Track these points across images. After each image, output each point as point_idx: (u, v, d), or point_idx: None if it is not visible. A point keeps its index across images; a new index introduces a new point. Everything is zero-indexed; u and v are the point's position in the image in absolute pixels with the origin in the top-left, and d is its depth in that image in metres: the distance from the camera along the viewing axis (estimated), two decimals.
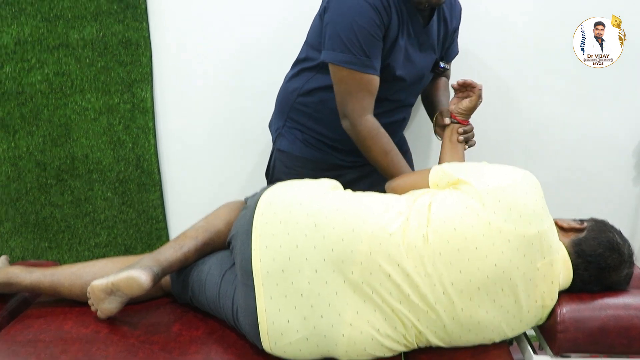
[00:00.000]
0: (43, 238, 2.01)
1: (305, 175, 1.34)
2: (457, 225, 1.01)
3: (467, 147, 1.43)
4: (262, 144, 1.82)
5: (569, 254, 1.07)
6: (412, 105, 1.53)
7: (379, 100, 1.33)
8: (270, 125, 1.58)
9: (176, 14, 1.72)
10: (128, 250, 2.05)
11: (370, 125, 1.30)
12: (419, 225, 1.03)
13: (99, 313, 1.16)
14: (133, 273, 1.09)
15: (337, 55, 1.24)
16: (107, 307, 1.13)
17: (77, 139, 1.87)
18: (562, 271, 1.06)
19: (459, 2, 1.49)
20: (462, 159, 1.40)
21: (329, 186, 1.16)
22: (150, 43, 1.75)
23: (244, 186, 1.89)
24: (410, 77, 1.39)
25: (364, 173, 1.52)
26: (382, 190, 1.27)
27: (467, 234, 1.00)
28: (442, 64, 1.47)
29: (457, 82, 1.37)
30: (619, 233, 1.11)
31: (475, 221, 1.01)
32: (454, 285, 1.00)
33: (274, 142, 1.53)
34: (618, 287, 1.09)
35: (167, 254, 1.18)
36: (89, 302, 1.16)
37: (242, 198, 1.35)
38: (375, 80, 1.28)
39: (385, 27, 1.25)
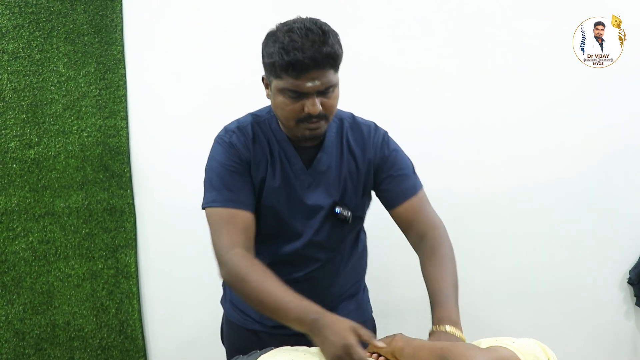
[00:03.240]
0: None
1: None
2: None
3: None
4: None
5: None
6: (320, 260, 1.26)
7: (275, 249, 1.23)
8: None
9: (159, 181, 1.75)
10: None
11: (240, 259, 1.07)
12: None
13: None
14: None
15: (205, 198, 1.16)
16: None
17: (59, 306, 1.79)
18: None
19: (380, 131, 1.26)
20: None
21: None
22: (134, 209, 1.75)
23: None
24: (293, 215, 1.22)
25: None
26: None
27: None
28: (337, 209, 1.22)
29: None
30: None
31: None
32: None
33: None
34: None
35: None
36: None
37: None
38: (243, 214, 1.13)
39: (247, 164, 1.17)
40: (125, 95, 1.71)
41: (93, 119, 1.71)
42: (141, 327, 1.82)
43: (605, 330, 1.82)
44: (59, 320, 1.80)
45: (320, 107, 1.09)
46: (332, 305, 1.30)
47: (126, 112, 1.71)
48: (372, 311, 1.41)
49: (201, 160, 1.69)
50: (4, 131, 1.71)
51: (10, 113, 1.71)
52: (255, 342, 1.31)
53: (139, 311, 1.80)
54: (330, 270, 1.30)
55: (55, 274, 1.78)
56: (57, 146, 1.72)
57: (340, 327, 0.94)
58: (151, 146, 1.72)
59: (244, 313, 1.32)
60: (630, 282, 1.77)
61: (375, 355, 1.01)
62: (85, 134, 1.71)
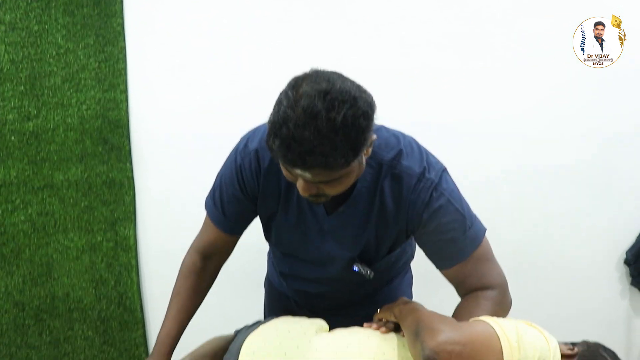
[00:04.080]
0: None
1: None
2: None
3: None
4: (249, 281, 1.75)
5: None
6: (332, 280, 1.21)
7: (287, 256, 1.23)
8: None
9: (158, 155, 1.75)
10: None
11: (188, 261, 1.21)
12: None
13: None
14: None
15: (207, 198, 1.18)
16: None
17: (59, 277, 1.81)
18: None
19: (426, 183, 1.02)
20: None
21: (314, 330, 1.08)
22: (133, 183, 1.76)
23: (229, 325, 1.80)
24: (309, 256, 1.17)
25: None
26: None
27: None
28: (355, 267, 1.12)
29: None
30: (613, 356, 1.01)
31: None
32: None
33: None
34: None
35: None
36: None
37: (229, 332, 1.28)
38: (224, 237, 1.17)
39: (251, 194, 1.10)
40: (124, 68, 1.70)
41: (92, 92, 1.71)
42: (140, 299, 1.84)
43: (600, 309, 1.86)
44: (58, 291, 1.83)
45: (316, 190, 0.93)
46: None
47: (126, 85, 1.71)
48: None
49: (200, 134, 1.73)
50: (1, 103, 1.71)
51: (8, 85, 1.70)
52: (288, 306, 1.35)
53: (138, 284, 1.82)
54: (355, 294, 1.26)
55: (55, 246, 1.79)
56: (56, 119, 1.72)
57: None
58: (151, 120, 1.73)
59: (281, 279, 1.34)
60: (627, 262, 1.80)
61: (382, 326, 1.07)
62: (84, 107, 1.71)
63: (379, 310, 1.11)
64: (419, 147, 1.08)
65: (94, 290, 1.83)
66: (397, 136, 1.07)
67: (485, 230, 1.08)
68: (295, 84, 0.86)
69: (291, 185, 1.05)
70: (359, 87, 0.87)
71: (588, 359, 0.99)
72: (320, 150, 0.82)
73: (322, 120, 0.81)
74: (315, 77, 0.85)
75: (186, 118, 1.72)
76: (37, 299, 1.83)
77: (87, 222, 1.78)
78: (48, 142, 1.73)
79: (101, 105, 1.71)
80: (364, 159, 0.93)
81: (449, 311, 1.07)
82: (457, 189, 1.07)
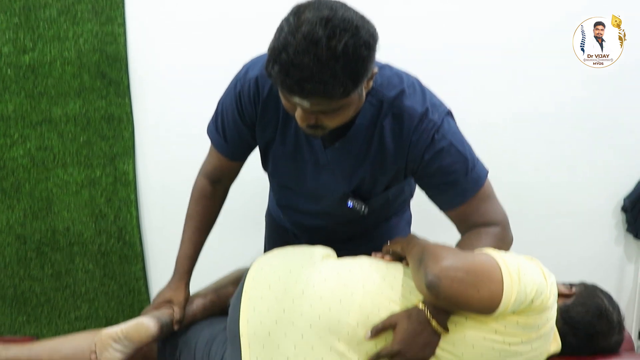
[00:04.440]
0: (21, 312, 1.96)
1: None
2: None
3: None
4: (248, 215, 1.80)
5: (557, 320, 1.03)
6: (327, 214, 1.23)
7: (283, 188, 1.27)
8: None
9: (157, 90, 1.75)
10: (109, 323, 1.97)
11: (198, 186, 1.26)
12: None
13: None
14: (142, 320, 1.11)
15: (209, 124, 1.21)
16: (111, 355, 1.10)
17: (59, 212, 1.85)
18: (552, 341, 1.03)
19: (429, 124, 1.01)
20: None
21: (321, 255, 1.14)
22: (132, 118, 1.77)
23: (228, 257, 1.86)
24: (304, 188, 1.19)
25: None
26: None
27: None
28: (349, 203, 1.13)
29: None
30: (609, 298, 1.08)
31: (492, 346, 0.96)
32: None
33: None
34: (608, 352, 1.06)
35: (171, 311, 1.19)
36: (92, 357, 1.12)
37: (227, 269, 1.36)
38: (227, 162, 1.21)
39: (250, 121, 1.11)
40: (122, 0, 1.68)
41: (89, 25, 1.69)
42: (139, 233, 1.88)
43: (595, 254, 1.89)
44: (58, 225, 1.87)
45: (314, 120, 0.92)
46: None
47: (124, 19, 1.69)
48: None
49: (199, 69, 1.73)
50: None
51: (2, 16, 1.68)
52: (287, 239, 1.41)
53: (137, 218, 1.86)
54: (351, 230, 1.31)
55: (54, 181, 1.82)
56: (53, 52, 1.71)
57: (173, 287, 1.22)
58: (149, 54, 1.72)
59: (279, 211, 1.39)
60: (624, 209, 1.83)
61: (387, 254, 1.13)
62: (81, 41, 1.70)
63: (388, 242, 1.15)
64: (423, 88, 1.07)
65: (93, 225, 1.87)
66: (401, 75, 1.05)
67: (487, 171, 1.11)
68: (297, 11, 0.85)
69: (290, 115, 1.04)
70: (362, 17, 0.87)
71: (586, 299, 1.06)
72: (319, 78, 0.81)
73: (322, 48, 0.80)
74: (317, 5, 0.85)
75: (186, 53, 1.71)
76: (38, 232, 1.87)
77: (86, 157, 1.80)
78: (45, 76, 1.72)
79: (99, 38, 1.70)
80: (364, 92, 0.93)
81: None
82: (460, 132, 1.07)
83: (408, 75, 1.07)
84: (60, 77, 1.72)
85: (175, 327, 1.20)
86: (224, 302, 1.24)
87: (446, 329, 0.96)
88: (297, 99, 0.87)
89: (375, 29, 0.88)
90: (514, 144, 1.80)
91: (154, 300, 1.23)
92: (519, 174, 1.82)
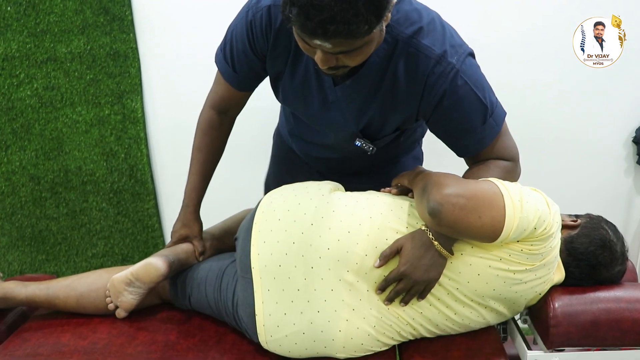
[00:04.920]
0: (40, 251, 2.02)
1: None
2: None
3: None
4: (257, 151, 1.82)
5: (561, 251, 1.07)
6: (334, 148, 1.25)
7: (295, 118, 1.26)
8: None
9: (162, 24, 1.73)
10: (125, 260, 2.05)
11: (205, 117, 1.25)
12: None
13: (118, 311, 1.19)
14: (150, 260, 1.15)
15: (217, 52, 1.17)
16: (126, 299, 1.17)
17: (70, 151, 1.88)
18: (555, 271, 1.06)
19: (447, 68, 0.96)
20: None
21: (329, 188, 1.17)
22: (138, 54, 1.76)
23: (238, 193, 1.89)
24: (312, 122, 1.19)
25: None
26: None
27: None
28: (357, 142, 1.12)
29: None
30: (614, 229, 1.10)
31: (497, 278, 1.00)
32: (451, 293, 1.02)
33: None
34: (610, 282, 1.09)
35: (184, 246, 1.25)
36: (107, 301, 1.19)
37: (236, 206, 1.37)
38: (235, 93, 1.19)
39: (260, 52, 1.08)
40: None
41: None
42: (150, 171, 1.91)
43: (604, 186, 1.91)
44: (70, 165, 1.90)
45: (335, 62, 0.89)
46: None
47: None
48: None
49: (206, 2, 1.70)
50: None
51: None
52: (294, 160, 1.42)
53: (148, 156, 1.89)
54: (358, 165, 1.32)
55: (63, 120, 1.84)
56: None
57: (185, 221, 1.26)
58: None
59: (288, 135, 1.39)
60: (635, 140, 1.82)
61: (395, 188, 1.15)
62: None
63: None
64: (443, 25, 1.00)
65: (105, 163, 1.89)
66: (420, 11, 0.98)
67: (505, 114, 1.08)
68: None
69: (293, 57, 1.02)
70: None
71: (590, 230, 1.08)
72: (341, 17, 0.77)
73: None
74: None
75: None
76: (51, 172, 1.90)
77: (94, 96, 1.80)
78: (47, 13, 1.70)
79: None
80: (384, 25, 0.88)
81: None
82: (481, 74, 1.01)
83: (428, 10, 1.01)
84: (62, 14, 1.70)
85: (200, 259, 1.25)
86: (232, 242, 1.25)
87: (450, 252, 0.98)
88: (318, 42, 0.83)
89: None
90: (522, 68, 1.77)
91: (171, 238, 1.27)
92: (528, 103, 1.81)
